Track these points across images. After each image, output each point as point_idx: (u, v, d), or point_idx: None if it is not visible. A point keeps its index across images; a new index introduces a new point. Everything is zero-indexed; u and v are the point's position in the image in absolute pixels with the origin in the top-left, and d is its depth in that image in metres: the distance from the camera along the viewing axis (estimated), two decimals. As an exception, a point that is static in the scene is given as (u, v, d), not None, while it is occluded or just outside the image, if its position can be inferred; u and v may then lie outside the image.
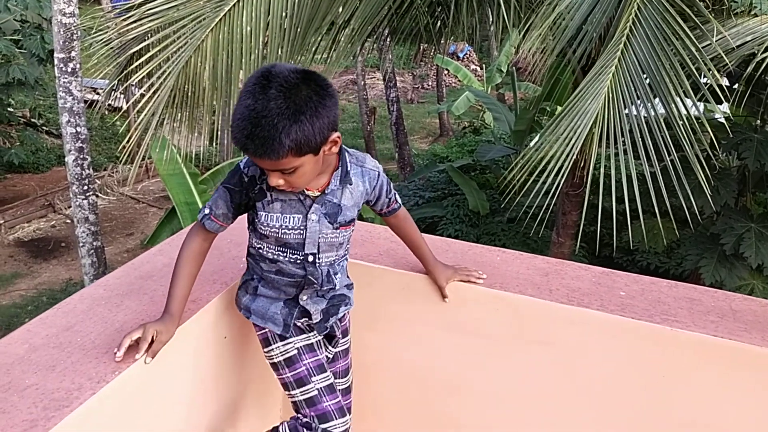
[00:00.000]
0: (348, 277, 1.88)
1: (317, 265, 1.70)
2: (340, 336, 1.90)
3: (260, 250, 1.71)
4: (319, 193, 1.63)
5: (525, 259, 2.19)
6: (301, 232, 1.64)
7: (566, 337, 1.92)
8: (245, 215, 1.74)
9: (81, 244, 6.74)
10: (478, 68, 20.26)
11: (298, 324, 1.79)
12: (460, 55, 20.73)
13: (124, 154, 4.35)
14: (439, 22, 5.52)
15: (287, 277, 1.71)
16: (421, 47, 7.16)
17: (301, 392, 1.76)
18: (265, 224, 1.64)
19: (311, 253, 1.67)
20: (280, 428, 1.78)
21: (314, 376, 1.76)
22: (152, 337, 1.58)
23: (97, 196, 8.15)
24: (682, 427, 1.86)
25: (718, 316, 1.85)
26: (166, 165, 5.65)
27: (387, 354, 2.20)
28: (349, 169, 1.66)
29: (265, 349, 1.81)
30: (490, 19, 5.14)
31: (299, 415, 1.78)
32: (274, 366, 1.81)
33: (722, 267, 4.81)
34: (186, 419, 1.84)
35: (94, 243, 6.75)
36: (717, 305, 1.92)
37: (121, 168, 12.45)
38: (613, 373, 1.91)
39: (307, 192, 1.62)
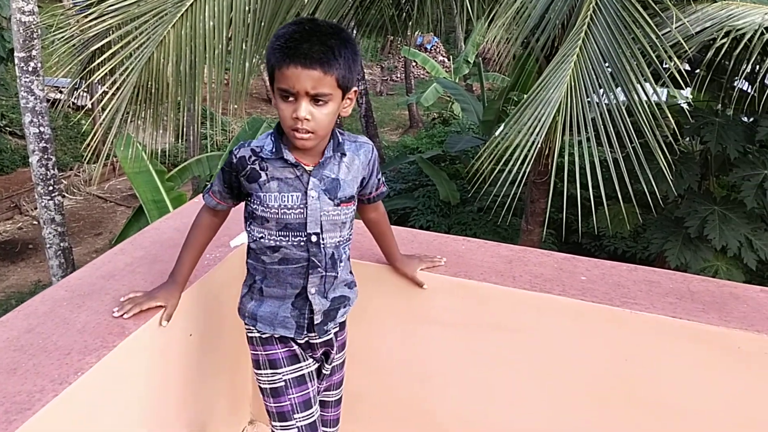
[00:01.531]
0: (351, 273, 1.82)
1: (321, 246, 1.64)
2: (336, 351, 1.84)
3: (261, 240, 1.64)
4: (314, 167, 1.60)
5: (489, 248, 2.22)
6: (302, 211, 1.60)
7: (530, 322, 1.95)
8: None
9: (48, 246, 6.65)
10: (446, 59, 20.32)
11: (299, 341, 1.74)
12: (428, 47, 20.78)
13: (88, 153, 4.28)
14: (404, 14, 5.52)
15: (292, 264, 1.64)
16: (388, 39, 7.16)
17: (281, 426, 1.72)
18: (264, 205, 1.59)
19: (314, 233, 1.62)
20: None
21: (297, 413, 1.72)
22: (162, 306, 1.74)
23: (63, 196, 8.02)
24: (645, 407, 1.90)
25: (677, 298, 1.89)
26: (132, 163, 5.58)
27: (356, 347, 2.19)
28: (341, 141, 1.65)
29: (255, 371, 1.77)
30: (455, 11, 5.16)
31: None
32: (261, 390, 1.76)
33: (687, 250, 4.89)
34: (152, 419, 1.83)
35: (62, 244, 6.67)
36: (675, 287, 1.96)
37: (88, 167, 12.27)
38: (576, 357, 1.94)
39: (304, 166, 1.59)
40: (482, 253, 2.17)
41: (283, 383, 1.72)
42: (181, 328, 1.88)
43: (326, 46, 1.43)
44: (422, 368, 2.16)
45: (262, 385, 1.74)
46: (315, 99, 1.46)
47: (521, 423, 2.08)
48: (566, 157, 3.19)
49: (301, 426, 1.71)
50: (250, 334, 1.76)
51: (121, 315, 1.69)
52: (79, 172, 12.86)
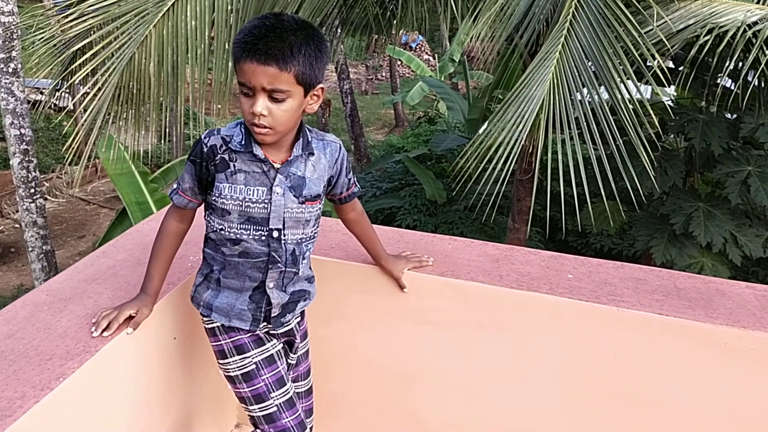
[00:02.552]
0: (311, 269, 1.83)
1: (282, 242, 1.64)
2: (299, 340, 1.86)
3: (222, 231, 1.64)
4: (282, 164, 1.60)
5: (476, 247, 2.21)
6: (266, 206, 1.60)
7: (517, 321, 1.94)
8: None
9: (30, 249, 6.57)
10: (431, 58, 20.33)
11: (259, 331, 1.75)
12: (413, 46, 20.78)
13: (69, 155, 4.23)
14: (388, 12, 5.50)
15: (252, 258, 1.65)
16: (373, 38, 7.14)
17: (259, 408, 1.72)
18: (228, 196, 1.59)
19: (276, 229, 1.62)
20: None
21: (273, 391, 1.72)
22: (131, 315, 1.68)
23: (45, 198, 7.93)
24: (633, 404, 1.90)
25: (663, 295, 1.89)
26: (114, 164, 5.52)
27: (342, 347, 2.19)
28: (309, 140, 1.65)
29: (221, 362, 1.76)
30: (439, 9, 5.15)
31: (258, 431, 1.76)
32: (230, 379, 1.76)
33: (672, 246, 4.91)
34: (136, 424, 1.80)
35: (44, 247, 6.59)
36: (662, 284, 1.96)
37: (70, 169, 12.14)
38: (564, 355, 1.93)
39: (271, 162, 1.59)
40: (469, 252, 2.16)
41: (254, 366, 1.72)
42: (164, 331, 1.86)
43: (285, 43, 1.42)
44: (409, 368, 2.15)
45: (232, 373, 1.74)
46: (272, 95, 1.46)
47: (509, 422, 2.08)
48: (549, 155, 3.19)
49: (280, 404, 1.73)
50: (210, 325, 1.75)
51: (101, 334, 1.64)
52: (61, 175, 12.73)
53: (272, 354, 1.76)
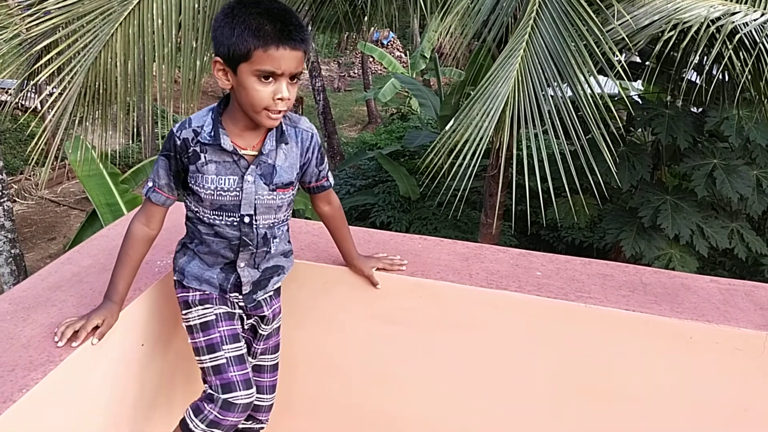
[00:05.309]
0: (289, 242, 1.85)
1: (254, 226, 1.67)
2: (271, 316, 1.87)
3: (198, 214, 1.68)
4: (255, 153, 1.61)
5: (446, 245, 2.21)
6: (237, 194, 1.62)
7: (487, 320, 1.95)
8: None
9: (-2, 253, 6.46)
10: (403, 54, 20.33)
11: (230, 297, 1.77)
12: (385, 42, 20.75)
13: (34, 155, 4.15)
14: (358, 9, 5.48)
15: (224, 239, 1.69)
16: (345, 35, 7.12)
17: (209, 359, 1.73)
18: (200, 186, 1.61)
19: (248, 215, 1.65)
20: (185, 414, 1.73)
21: (226, 344, 1.73)
22: (97, 325, 1.63)
23: (14, 201, 7.79)
24: (602, 400, 1.93)
25: (630, 291, 1.91)
26: (83, 166, 5.44)
27: (313, 348, 2.18)
28: (284, 130, 1.65)
29: (184, 312, 1.78)
30: (409, 6, 5.14)
31: (203, 389, 1.76)
32: (189, 329, 1.77)
33: (641, 239, 4.98)
34: None
35: (12, 251, 6.48)
36: (628, 280, 1.98)
37: (39, 171, 11.92)
38: (535, 353, 1.94)
39: (241, 151, 1.59)
40: (439, 251, 2.17)
41: (213, 316, 1.75)
42: (132, 338, 1.83)
43: (301, 25, 1.45)
44: (380, 369, 2.15)
45: (192, 323, 1.76)
46: (291, 78, 1.48)
47: (480, 421, 2.09)
48: (514, 150, 3.21)
49: (230, 357, 1.73)
50: (183, 295, 1.77)
51: (66, 343, 1.59)
52: (30, 176, 12.50)
53: (234, 313, 1.78)
